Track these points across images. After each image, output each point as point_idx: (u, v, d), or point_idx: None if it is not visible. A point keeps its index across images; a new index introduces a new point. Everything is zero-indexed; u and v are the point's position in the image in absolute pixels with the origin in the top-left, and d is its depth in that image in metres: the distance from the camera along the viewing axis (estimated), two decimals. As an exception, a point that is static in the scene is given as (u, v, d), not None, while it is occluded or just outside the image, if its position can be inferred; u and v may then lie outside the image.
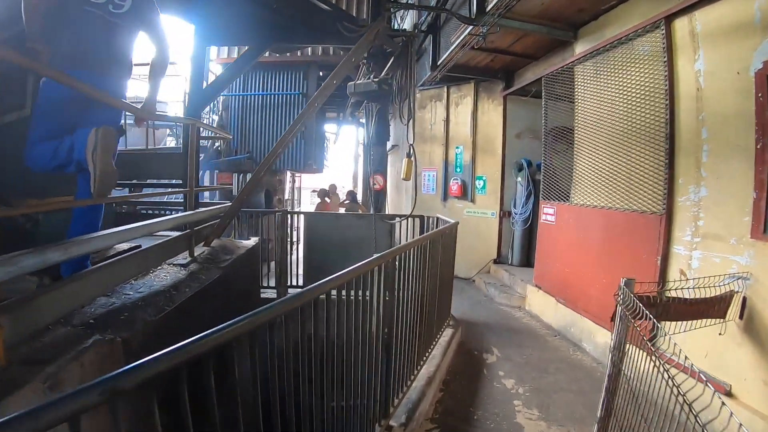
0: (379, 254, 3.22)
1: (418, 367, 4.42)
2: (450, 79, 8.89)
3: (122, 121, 3.54)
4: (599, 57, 5.59)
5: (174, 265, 4.27)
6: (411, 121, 5.87)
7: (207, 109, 11.08)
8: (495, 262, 8.74)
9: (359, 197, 14.14)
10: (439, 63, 7.85)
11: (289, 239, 7.53)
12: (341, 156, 21.63)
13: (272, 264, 7.54)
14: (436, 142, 9.43)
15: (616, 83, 5.24)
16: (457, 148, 9.13)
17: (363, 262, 3.02)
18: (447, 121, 9.22)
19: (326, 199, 12.54)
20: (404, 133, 10.66)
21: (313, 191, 15.23)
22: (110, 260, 3.51)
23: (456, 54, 7.10)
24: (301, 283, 7.30)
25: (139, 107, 3.62)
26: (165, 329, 3.26)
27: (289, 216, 7.24)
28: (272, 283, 7.25)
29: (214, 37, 5.84)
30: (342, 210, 12.66)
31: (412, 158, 6.14)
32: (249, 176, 12.17)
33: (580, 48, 6.15)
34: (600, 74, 5.60)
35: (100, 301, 3.27)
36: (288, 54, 10.44)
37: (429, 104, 9.56)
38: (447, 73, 8.08)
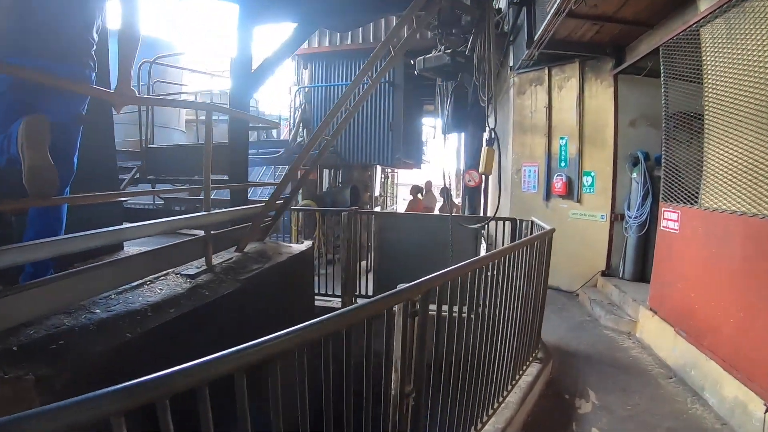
0: (419, 281, 2.26)
1: (481, 421, 3.28)
2: (551, 59, 7.47)
3: (83, 109, 2.91)
4: (733, 11, 3.96)
5: (181, 275, 3.62)
6: (492, 100, 4.67)
7: (291, 102, 10.77)
8: (603, 274, 7.10)
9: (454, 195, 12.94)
10: (535, 38, 6.50)
11: (358, 242, 6.69)
12: (442, 151, 20.44)
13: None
14: (537, 133, 7.99)
15: (763, 44, 3.62)
16: (561, 139, 7.62)
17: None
18: (549, 107, 7.75)
19: (419, 196, 11.58)
20: (504, 123, 9.43)
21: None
22: (79, 269, 2.87)
23: (554, 24, 5.73)
24: (371, 292, 6.43)
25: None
26: (119, 362, 2.56)
27: (358, 216, 6.39)
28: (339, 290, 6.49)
29: (259, 16, 5.20)
30: (437, 209, 11.61)
31: (494, 147, 4.93)
32: (337, 172, 11.80)
33: (706, 3, 4.49)
34: (736, 34, 3.97)
35: (51, 321, 2.66)
36: (372, 40, 9.70)
37: (528, 89, 8.15)
38: (546, 50, 6.72)
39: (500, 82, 9.78)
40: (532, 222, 5.33)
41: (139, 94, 5.76)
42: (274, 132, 13.34)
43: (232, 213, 4.17)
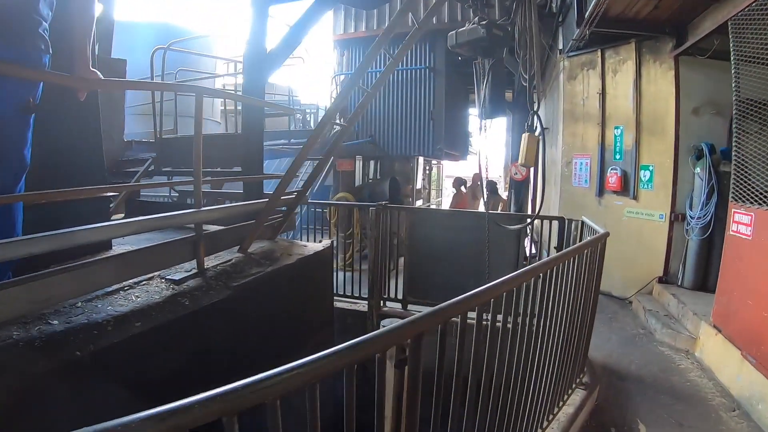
0: (410, 320, 1.67)
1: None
2: (604, 40, 6.62)
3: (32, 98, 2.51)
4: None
5: (166, 280, 3.24)
6: (534, 78, 4.02)
7: (332, 91, 10.36)
8: (660, 280, 6.24)
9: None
10: (586, 16, 5.72)
11: (387, 240, 6.18)
12: (481, 140, 19.47)
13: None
14: (589, 121, 7.15)
15: None
16: (616, 128, 6.76)
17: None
18: (602, 93, 6.89)
19: (462, 189, 10.92)
20: (554, 111, 8.62)
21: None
22: (35, 274, 2.53)
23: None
24: (400, 295, 5.91)
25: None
26: (61, 386, 2.20)
27: (387, 211, 5.86)
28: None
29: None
30: (481, 204, 10.92)
31: (537, 134, 4.29)
32: (377, 163, 11.30)
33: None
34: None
35: (-2, 333, 2.34)
36: (410, 24, 9.08)
37: (580, 73, 7.32)
38: (599, 29, 5.92)
39: (549, 67, 8.98)
40: (582, 222, 4.64)
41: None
42: (312, 122, 13.09)
43: (228, 210, 3.75)
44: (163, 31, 11.30)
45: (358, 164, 10.86)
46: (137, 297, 3.01)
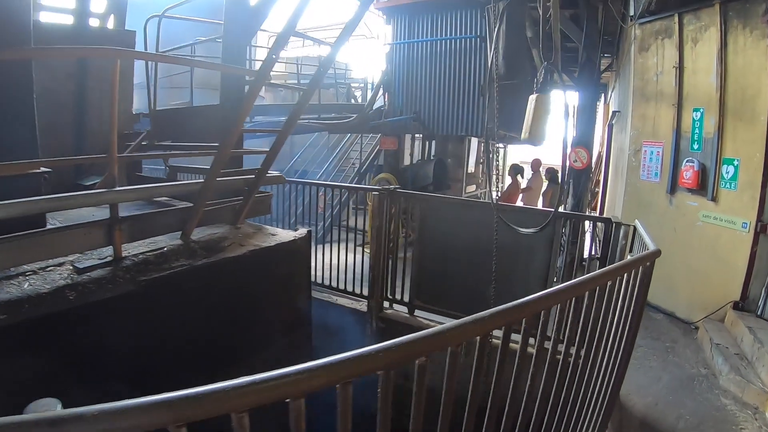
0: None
1: None
2: (682, 2, 5.45)
3: None
4: None
5: (74, 267, 2.92)
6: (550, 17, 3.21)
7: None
8: (736, 306, 5.01)
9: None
10: None
11: (399, 233, 5.56)
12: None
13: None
14: (663, 102, 5.97)
15: None
16: (695, 111, 5.54)
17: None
18: (680, 68, 5.67)
19: (519, 177, 9.94)
20: (625, 90, 7.42)
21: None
22: None
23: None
24: (407, 297, 5.30)
25: None
26: None
27: (394, 197, 5.22)
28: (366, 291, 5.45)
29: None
30: (540, 197, 9.89)
31: (549, 95, 3.48)
32: (429, 143, 10.60)
33: None
34: None
35: None
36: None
37: (653, 44, 6.12)
38: None
39: (621, 40, 7.79)
40: (635, 230, 3.70)
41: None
42: (358, 96, 12.61)
43: (150, 191, 3.36)
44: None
45: (411, 143, 10.24)
46: (30, 285, 2.73)
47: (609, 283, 2.18)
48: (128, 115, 6.19)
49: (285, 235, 4.19)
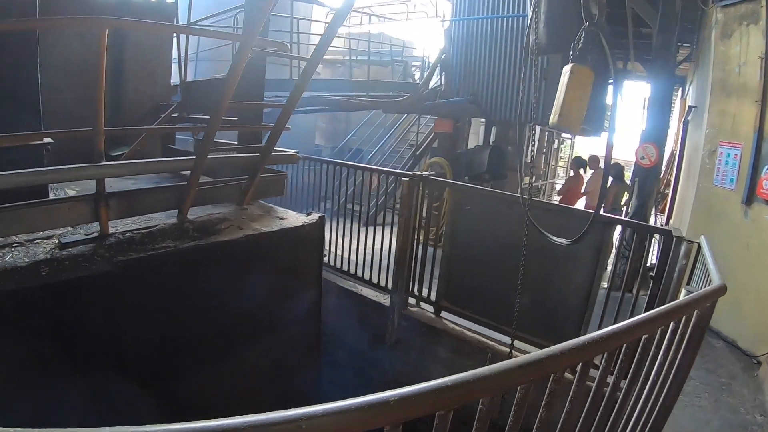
0: None
1: None
2: None
3: None
4: None
5: (59, 241, 2.90)
6: None
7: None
8: None
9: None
10: None
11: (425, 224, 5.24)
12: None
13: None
14: (745, 97, 5.16)
15: None
16: None
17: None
18: (766, 59, 4.90)
19: (581, 171, 9.23)
20: (703, 83, 6.56)
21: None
22: None
23: None
24: (433, 295, 5.01)
25: None
26: None
27: (423, 184, 4.91)
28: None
29: None
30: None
31: (588, 67, 3.04)
32: (490, 128, 10.08)
33: None
34: None
35: None
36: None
37: (736, 30, 5.30)
38: None
39: (701, 26, 6.91)
40: (699, 248, 3.19)
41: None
42: (416, 75, 12.19)
43: (138, 167, 3.27)
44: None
45: (469, 127, 9.75)
46: (12, 257, 2.75)
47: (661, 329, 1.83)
48: (165, 86, 6.27)
49: (294, 219, 4.03)
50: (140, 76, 5.76)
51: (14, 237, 2.92)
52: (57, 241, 2.95)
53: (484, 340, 4.48)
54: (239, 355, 3.60)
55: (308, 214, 4.19)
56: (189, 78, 6.31)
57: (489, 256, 4.62)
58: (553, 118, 3.23)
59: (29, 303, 2.54)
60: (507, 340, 4.25)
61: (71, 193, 3.58)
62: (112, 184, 3.66)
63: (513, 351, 3.90)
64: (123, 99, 5.55)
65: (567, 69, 3.19)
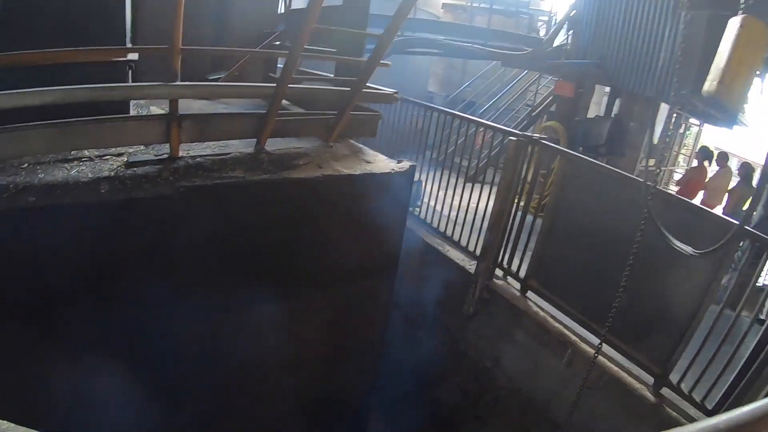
0: None
1: None
2: None
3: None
4: None
5: (127, 160, 2.72)
6: None
7: None
8: None
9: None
10: None
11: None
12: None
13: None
14: None
15: None
16: None
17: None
18: None
19: (705, 164, 7.94)
20: None
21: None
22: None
23: None
24: (522, 271, 4.38)
25: None
26: None
27: (533, 147, 4.26)
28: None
29: None
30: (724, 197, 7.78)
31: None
32: (614, 98, 8.95)
33: None
34: None
35: None
36: None
37: None
38: None
39: None
40: None
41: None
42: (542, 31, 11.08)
43: (211, 89, 2.97)
44: None
45: (592, 94, 8.69)
46: (77, 171, 2.61)
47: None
48: (272, 14, 6.02)
49: (381, 165, 3.60)
50: (247, 1, 5.53)
51: (86, 152, 2.79)
52: (124, 159, 2.77)
53: (567, 333, 3.87)
54: (296, 303, 3.33)
55: (398, 162, 3.75)
56: (296, 6, 6.03)
57: (592, 242, 3.87)
58: (709, 85, 2.47)
59: (84, 219, 2.37)
60: (591, 337, 3.71)
61: (157, 112, 3.42)
62: (204, 108, 3.48)
63: (599, 355, 3.29)
64: (228, 24, 5.36)
65: (735, 22, 2.39)
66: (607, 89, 9.26)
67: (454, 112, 5.36)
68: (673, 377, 3.28)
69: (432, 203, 5.36)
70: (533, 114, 9.71)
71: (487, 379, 4.54)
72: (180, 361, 2.88)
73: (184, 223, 2.65)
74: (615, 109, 8.69)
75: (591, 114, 9.50)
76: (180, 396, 2.98)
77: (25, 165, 2.54)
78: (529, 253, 4.39)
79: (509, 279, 4.58)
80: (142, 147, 2.96)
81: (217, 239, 2.80)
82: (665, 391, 3.33)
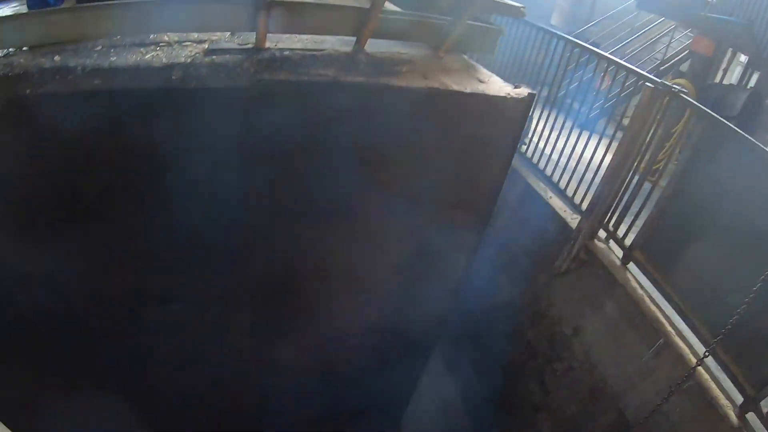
0: None
1: None
2: None
3: None
4: None
5: (208, 48, 2.42)
6: None
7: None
8: None
9: None
10: None
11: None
12: None
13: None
14: None
15: None
16: None
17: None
18: None
19: None
20: None
21: None
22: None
23: None
24: (630, 240, 3.68)
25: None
26: None
27: (669, 99, 3.50)
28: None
29: None
30: None
31: None
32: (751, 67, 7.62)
33: None
34: None
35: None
36: None
37: None
38: None
39: None
40: None
41: None
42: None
43: None
44: None
45: (730, 59, 7.52)
46: (152, 56, 2.31)
47: None
48: None
49: (496, 87, 3.02)
50: None
51: (166, 36, 2.48)
52: (204, 45, 2.41)
53: (663, 321, 3.26)
54: (376, 226, 3.01)
55: (515, 87, 3.15)
56: None
57: (725, 229, 3.11)
58: None
59: (150, 106, 2.07)
60: (689, 334, 3.15)
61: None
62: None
63: (700, 365, 2.74)
64: None
65: None
66: (744, 58, 7.90)
67: (583, 44, 4.58)
68: (765, 404, 2.72)
69: (541, 144, 4.72)
70: (661, 68, 8.60)
71: (562, 346, 4.13)
72: (259, 262, 2.73)
73: (259, 122, 2.30)
74: (751, 83, 7.54)
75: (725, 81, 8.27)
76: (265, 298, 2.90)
77: (99, 47, 2.29)
78: (639, 222, 3.72)
79: (612, 244, 3.95)
80: (227, 34, 2.60)
81: (294, 144, 2.45)
82: (751, 416, 2.76)
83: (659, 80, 3.71)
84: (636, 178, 3.80)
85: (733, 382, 2.91)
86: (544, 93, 4.81)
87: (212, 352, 3.22)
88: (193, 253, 2.59)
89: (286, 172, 2.59)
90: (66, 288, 2.46)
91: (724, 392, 2.90)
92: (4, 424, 1.85)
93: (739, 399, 2.82)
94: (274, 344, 3.41)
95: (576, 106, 4.54)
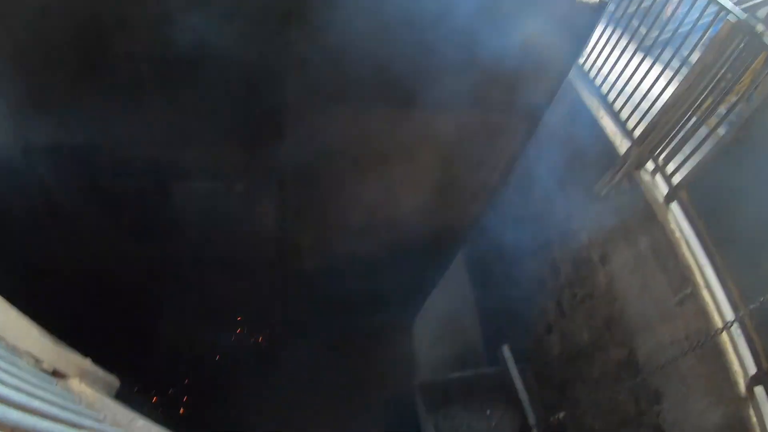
0: None
1: None
2: None
3: None
4: None
5: None
6: None
7: None
8: None
9: None
10: None
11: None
12: None
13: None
14: None
15: None
16: None
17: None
18: None
19: None
20: None
21: None
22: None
23: None
24: (678, 178, 3.55)
25: None
26: None
27: (747, 39, 3.19)
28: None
29: None
30: None
31: None
32: None
33: None
34: None
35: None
36: None
37: None
38: None
39: None
40: None
41: None
42: None
43: None
44: None
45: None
46: None
47: None
48: None
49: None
50: None
51: None
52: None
53: (695, 271, 3.21)
54: (419, 123, 3.01)
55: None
56: None
57: None
58: None
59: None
60: (720, 294, 3.08)
61: None
62: None
63: (724, 331, 2.71)
64: None
65: None
66: None
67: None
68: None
69: (599, 61, 4.52)
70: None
71: (587, 271, 4.13)
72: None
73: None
74: None
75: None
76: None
77: None
78: (690, 164, 3.58)
79: (658, 178, 3.86)
80: None
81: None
82: (759, 390, 2.74)
83: (743, 14, 3.45)
84: (695, 118, 3.65)
85: (750, 350, 2.89)
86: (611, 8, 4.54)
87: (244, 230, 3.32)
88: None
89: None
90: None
91: (740, 358, 2.87)
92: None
93: (753, 370, 2.81)
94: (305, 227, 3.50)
95: (643, 30, 4.24)
